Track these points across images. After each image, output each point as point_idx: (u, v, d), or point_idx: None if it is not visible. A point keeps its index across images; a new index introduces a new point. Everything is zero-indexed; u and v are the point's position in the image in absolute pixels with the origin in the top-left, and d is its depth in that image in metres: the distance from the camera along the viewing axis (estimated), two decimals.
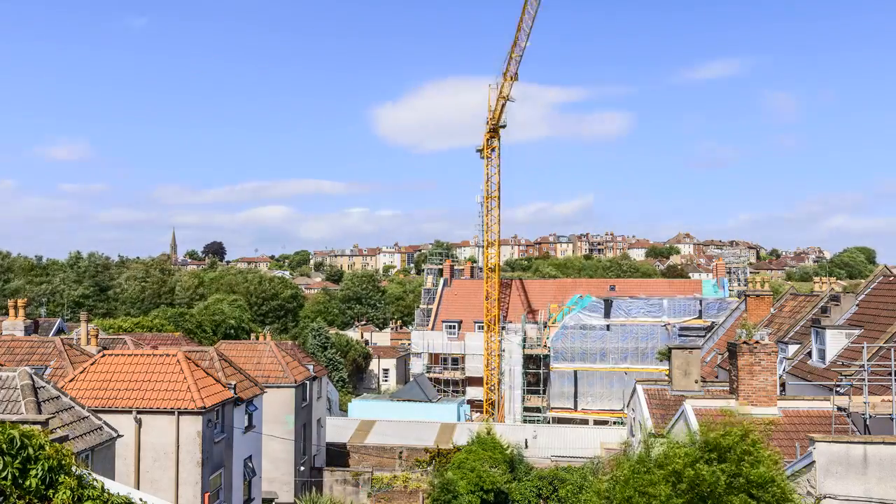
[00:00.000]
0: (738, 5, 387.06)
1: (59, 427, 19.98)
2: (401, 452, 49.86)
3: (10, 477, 7.91)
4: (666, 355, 38.79)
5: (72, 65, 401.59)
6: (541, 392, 67.89)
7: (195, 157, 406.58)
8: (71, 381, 29.37)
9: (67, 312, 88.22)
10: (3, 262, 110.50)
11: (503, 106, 70.59)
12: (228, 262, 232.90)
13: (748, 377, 23.47)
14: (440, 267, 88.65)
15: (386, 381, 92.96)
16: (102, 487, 8.73)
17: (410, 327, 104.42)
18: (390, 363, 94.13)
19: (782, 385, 31.24)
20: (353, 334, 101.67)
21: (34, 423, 14.86)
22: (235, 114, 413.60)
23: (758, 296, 45.29)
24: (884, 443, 17.27)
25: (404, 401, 63.33)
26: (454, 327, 77.45)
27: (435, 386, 72.58)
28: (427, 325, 79.54)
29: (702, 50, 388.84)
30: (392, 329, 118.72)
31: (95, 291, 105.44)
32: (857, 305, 34.12)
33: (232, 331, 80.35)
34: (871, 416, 21.56)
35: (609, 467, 30.00)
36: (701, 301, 68.62)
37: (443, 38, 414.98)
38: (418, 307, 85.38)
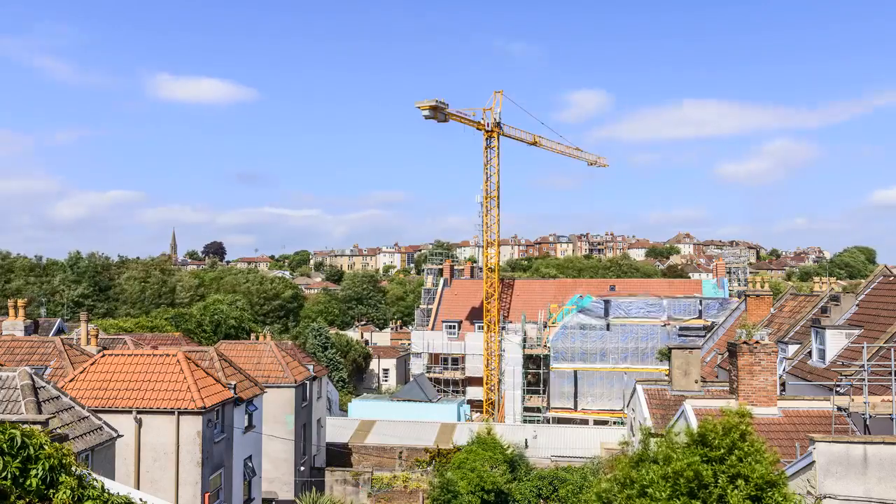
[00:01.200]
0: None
1: (59, 427, 20.00)
2: (401, 452, 49.87)
3: (10, 477, 7.92)
4: (666, 355, 38.83)
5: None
6: (541, 392, 67.89)
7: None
8: (71, 381, 29.38)
9: (67, 312, 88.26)
10: (4, 262, 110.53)
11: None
12: (228, 263, 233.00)
13: (748, 377, 23.47)
14: (440, 267, 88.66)
15: (386, 381, 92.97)
16: (102, 487, 8.73)
17: (410, 327, 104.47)
18: (390, 363, 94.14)
19: (782, 385, 31.25)
20: (353, 334, 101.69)
21: (34, 423, 14.87)
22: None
23: (758, 296, 45.31)
24: (884, 443, 17.26)
25: (404, 401, 63.32)
26: (454, 327, 77.46)
27: (435, 386, 72.56)
28: (427, 325, 79.54)
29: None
30: (392, 329, 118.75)
31: (95, 291, 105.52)
32: (857, 305, 34.12)
33: (232, 331, 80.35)
34: (871, 416, 21.56)
35: (609, 467, 30.02)
36: (701, 301, 68.59)
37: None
38: (418, 307, 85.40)
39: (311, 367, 47.97)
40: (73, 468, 8.55)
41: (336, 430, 53.20)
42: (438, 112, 69.17)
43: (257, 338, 55.27)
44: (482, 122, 72.51)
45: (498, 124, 72.74)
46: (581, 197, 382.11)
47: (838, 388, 24.38)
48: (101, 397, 28.66)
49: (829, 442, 17.51)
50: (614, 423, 59.76)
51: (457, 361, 76.05)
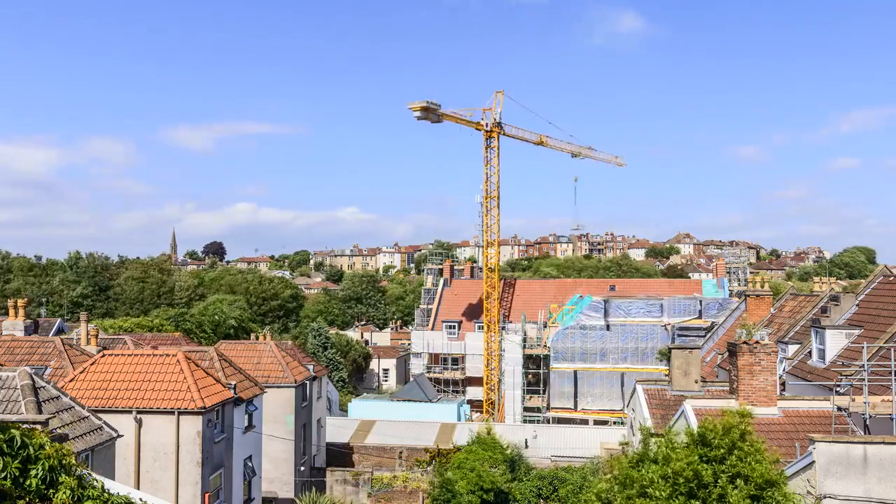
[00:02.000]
0: None
1: (59, 427, 19.99)
2: (401, 452, 49.86)
3: (10, 477, 7.91)
4: (666, 355, 38.85)
5: None
6: (541, 392, 67.88)
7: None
8: (71, 381, 29.37)
9: (67, 312, 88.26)
10: (3, 262, 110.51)
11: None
12: (228, 262, 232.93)
13: (748, 377, 23.46)
14: (440, 267, 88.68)
15: (386, 381, 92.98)
16: (102, 487, 8.72)
17: (410, 327, 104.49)
18: (390, 363, 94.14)
19: (782, 385, 31.26)
20: (353, 334, 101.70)
21: (34, 423, 14.85)
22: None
23: (758, 296, 45.33)
24: (884, 443, 17.27)
25: (404, 401, 63.32)
26: (454, 327, 77.45)
27: (435, 386, 72.58)
28: (427, 325, 79.54)
29: None
30: (392, 329, 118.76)
31: (95, 291, 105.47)
32: (857, 305, 34.12)
33: (232, 331, 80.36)
34: (871, 416, 21.56)
35: (609, 467, 30.01)
36: (701, 301, 68.61)
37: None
38: (418, 307, 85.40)
39: (311, 367, 47.97)
40: (73, 468, 8.54)
41: (336, 430, 53.20)
42: (431, 113, 69.14)
43: (257, 338, 55.27)
44: (481, 122, 72.51)
45: (498, 124, 72.73)
46: (586, 197, 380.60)
47: (838, 388, 24.38)
48: (101, 397, 28.65)
49: (829, 442, 17.51)
50: (614, 423, 59.75)
51: (457, 361, 76.06)
